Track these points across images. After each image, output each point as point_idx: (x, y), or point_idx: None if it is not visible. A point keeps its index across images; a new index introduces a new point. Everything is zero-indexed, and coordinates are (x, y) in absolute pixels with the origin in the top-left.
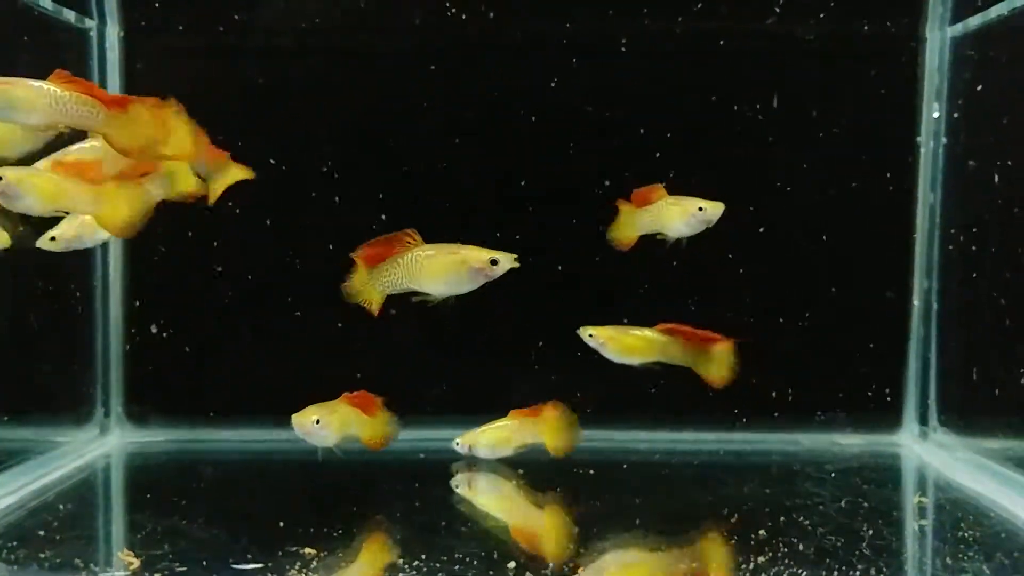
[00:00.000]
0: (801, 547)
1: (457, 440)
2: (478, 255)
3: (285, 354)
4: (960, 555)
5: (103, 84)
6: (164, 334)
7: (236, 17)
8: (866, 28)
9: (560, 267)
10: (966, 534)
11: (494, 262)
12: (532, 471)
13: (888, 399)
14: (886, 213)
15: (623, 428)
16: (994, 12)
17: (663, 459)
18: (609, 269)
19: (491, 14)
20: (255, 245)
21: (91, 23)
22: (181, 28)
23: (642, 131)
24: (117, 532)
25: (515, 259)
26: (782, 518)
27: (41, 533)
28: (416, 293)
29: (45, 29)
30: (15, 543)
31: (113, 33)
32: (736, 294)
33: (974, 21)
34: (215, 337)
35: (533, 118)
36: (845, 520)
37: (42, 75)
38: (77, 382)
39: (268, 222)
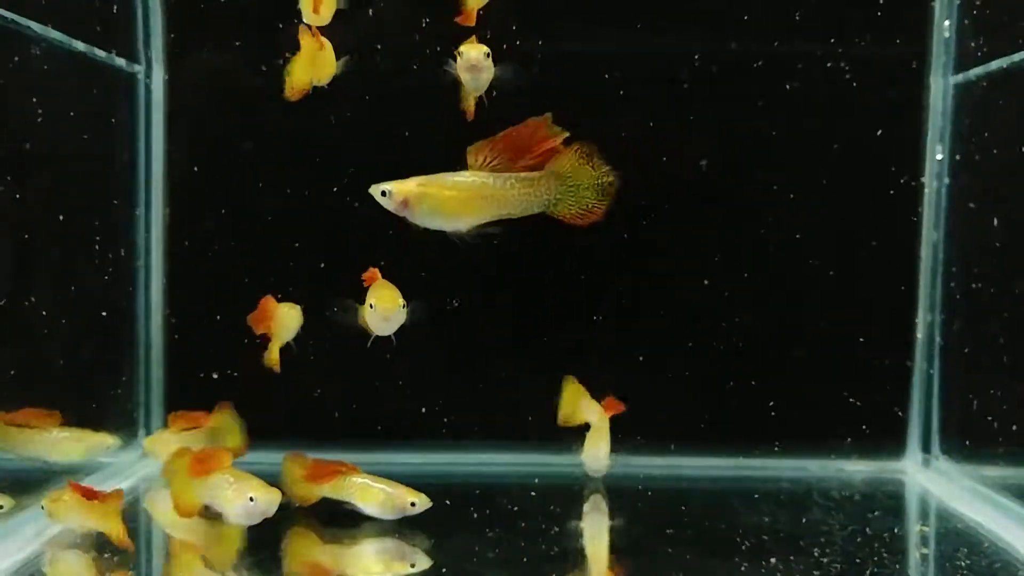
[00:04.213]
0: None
1: None
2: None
3: (320, 379)
4: None
5: (148, 121)
6: (203, 373)
7: (278, 62)
8: (876, 74)
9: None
10: (962, 563)
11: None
12: (560, 494)
13: (893, 428)
14: (892, 249)
15: (631, 454)
16: (995, 65)
17: (674, 484)
18: (602, 291)
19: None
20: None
21: (139, 68)
22: (221, 71)
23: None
24: (167, 548)
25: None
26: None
27: (92, 553)
28: None
29: (99, 74)
30: (69, 563)
31: (159, 76)
32: (748, 327)
33: (976, 71)
34: (251, 365)
35: None
36: (851, 548)
37: (95, 115)
38: (122, 406)
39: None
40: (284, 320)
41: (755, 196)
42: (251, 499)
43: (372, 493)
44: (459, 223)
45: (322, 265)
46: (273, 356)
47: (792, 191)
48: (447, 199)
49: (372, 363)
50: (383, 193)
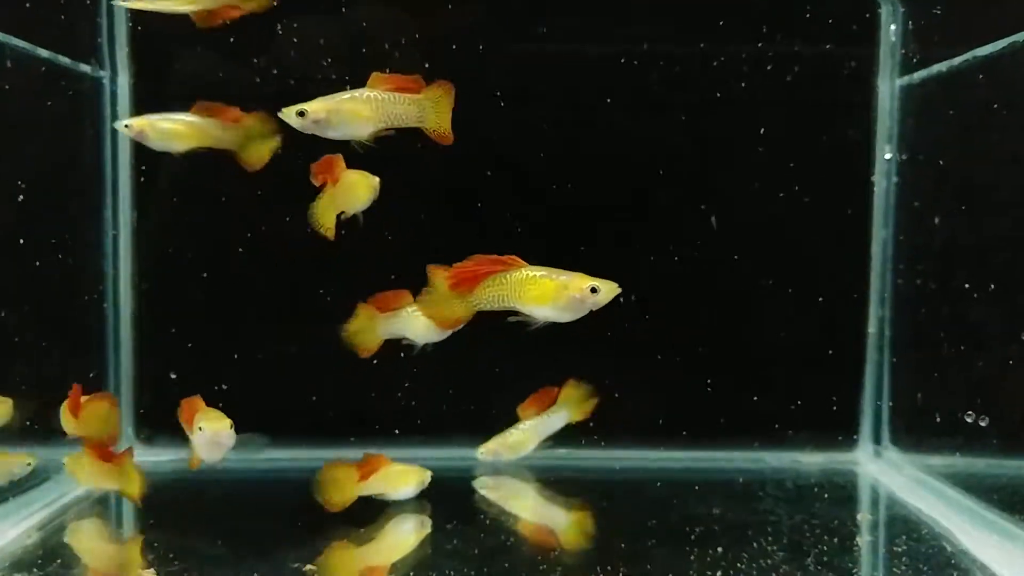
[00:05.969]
0: (755, 563)
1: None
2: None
3: (289, 379)
4: (894, 568)
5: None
6: (173, 374)
7: (233, 66)
8: (828, 75)
9: None
10: (900, 548)
11: (594, 290)
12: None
13: (847, 420)
14: (845, 246)
15: (588, 447)
16: (935, 68)
17: (631, 476)
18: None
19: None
20: (263, 280)
21: (104, 73)
22: (184, 76)
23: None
24: (132, 550)
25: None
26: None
27: (61, 554)
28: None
29: (65, 79)
30: (38, 563)
31: (124, 81)
32: (704, 321)
33: (919, 74)
34: (220, 364)
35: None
36: (796, 537)
37: (62, 119)
38: None
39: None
40: (354, 188)
41: (711, 194)
42: (200, 428)
43: (409, 475)
44: (361, 132)
45: (293, 263)
46: (327, 220)
47: (753, 189)
48: (351, 112)
49: (344, 360)
50: (299, 114)
